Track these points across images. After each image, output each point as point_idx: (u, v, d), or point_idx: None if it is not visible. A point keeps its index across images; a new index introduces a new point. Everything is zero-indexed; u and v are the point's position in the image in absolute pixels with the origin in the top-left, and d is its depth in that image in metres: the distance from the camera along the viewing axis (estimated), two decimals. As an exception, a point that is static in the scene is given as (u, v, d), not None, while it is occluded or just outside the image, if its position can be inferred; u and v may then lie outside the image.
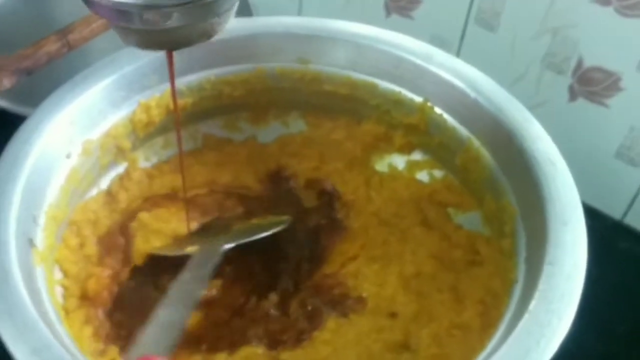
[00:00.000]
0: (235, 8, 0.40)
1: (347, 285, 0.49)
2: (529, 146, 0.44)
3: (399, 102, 0.53)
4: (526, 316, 0.37)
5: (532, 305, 0.37)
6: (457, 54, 0.73)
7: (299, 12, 0.85)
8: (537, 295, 0.37)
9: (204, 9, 0.37)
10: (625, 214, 0.70)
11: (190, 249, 0.49)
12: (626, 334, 0.61)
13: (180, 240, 0.51)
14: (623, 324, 0.62)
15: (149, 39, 0.39)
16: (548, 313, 0.36)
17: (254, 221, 0.53)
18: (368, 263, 0.50)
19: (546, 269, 0.38)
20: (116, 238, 0.51)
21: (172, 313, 0.44)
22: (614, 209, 0.70)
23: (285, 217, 0.53)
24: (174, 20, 0.36)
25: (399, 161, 0.56)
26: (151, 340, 0.42)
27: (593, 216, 0.70)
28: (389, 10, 0.76)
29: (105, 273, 0.49)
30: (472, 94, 0.48)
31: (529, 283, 0.40)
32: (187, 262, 0.47)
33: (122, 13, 0.36)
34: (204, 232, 0.53)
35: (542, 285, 0.38)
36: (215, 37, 0.40)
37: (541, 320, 0.36)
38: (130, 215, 0.52)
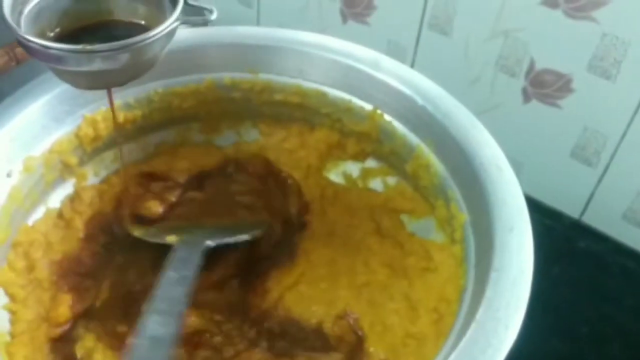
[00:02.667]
0: (166, 46, 0.41)
1: (292, 316, 0.48)
2: (476, 152, 0.44)
3: (349, 110, 0.53)
4: (473, 325, 0.36)
5: (479, 313, 0.37)
6: (414, 59, 0.73)
7: (257, 20, 0.85)
8: (484, 302, 0.37)
9: (135, 53, 0.38)
10: (582, 213, 0.71)
11: (170, 239, 0.47)
12: (588, 333, 0.62)
13: (161, 227, 0.50)
14: (585, 324, 0.62)
15: (82, 81, 0.41)
16: (495, 321, 0.36)
17: (229, 222, 0.52)
18: (313, 285, 0.49)
19: (493, 276, 0.38)
20: (78, 267, 0.49)
21: (160, 326, 0.40)
22: (571, 209, 0.71)
23: (264, 221, 0.51)
24: (105, 64, 0.38)
25: (353, 169, 0.56)
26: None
27: (552, 216, 0.71)
28: (345, 17, 0.76)
29: (70, 299, 0.47)
30: (420, 101, 0.48)
31: (477, 290, 0.40)
32: (170, 258, 0.45)
33: (55, 57, 0.38)
34: (182, 225, 0.51)
35: (488, 292, 0.37)
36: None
37: (488, 329, 0.36)
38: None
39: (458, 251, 0.45)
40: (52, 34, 0.41)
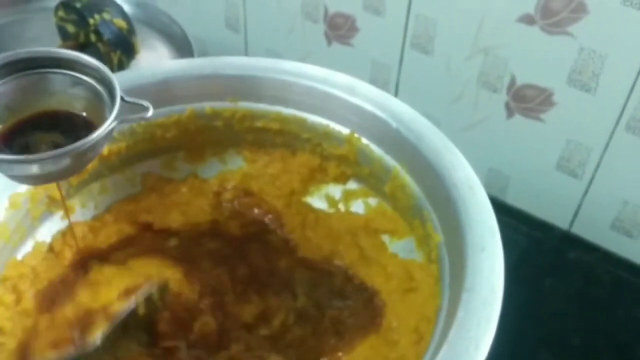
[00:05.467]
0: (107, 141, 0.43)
1: None
2: (449, 173, 0.45)
3: (328, 135, 0.54)
4: (445, 345, 0.37)
5: (451, 333, 0.37)
6: (398, 78, 0.74)
7: (245, 44, 0.86)
8: (455, 322, 0.38)
9: (76, 156, 0.40)
10: (571, 224, 0.71)
11: None
12: (579, 345, 0.62)
13: None
14: (576, 335, 0.63)
15: (26, 180, 0.43)
16: (465, 341, 0.37)
17: None
18: None
19: (464, 296, 0.39)
20: (63, 291, 0.50)
21: None
22: (560, 220, 0.71)
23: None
24: (47, 168, 0.39)
25: (335, 191, 0.57)
26: None
27: (541, 228, 0.72)
28: (329, 39, 0.77)
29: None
30: (394, 124, 0.49)
31: (450, 309, 0.40)
32: None
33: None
34: None
35: (460, 312, 0.38)
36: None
37: (458, 349, 0.36)
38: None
39: (435, 271, 0.45)
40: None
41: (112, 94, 0.42)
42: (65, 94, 0.44)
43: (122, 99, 0.41)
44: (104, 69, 0.42)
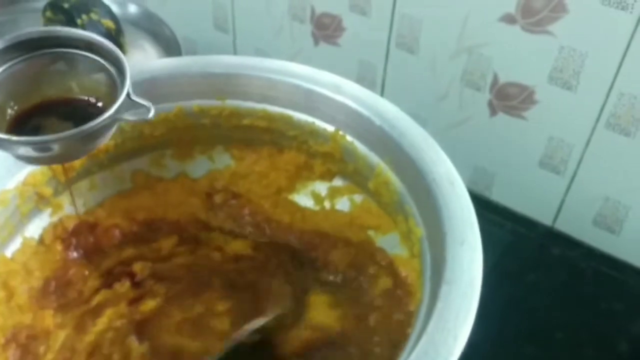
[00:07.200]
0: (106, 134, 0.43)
1: None
2: (430, 169, 0.46)
3: (314, 132, 0.55)
4: (424, 337, 0.38)
5: (430, 325, 0.38)
6: (384, 77, 0.75)
7: (234, 44, 0.87)
8: (435, 314, 0.39)
9: (66, 144, 0.41)
10: (555, 220, 0.72)
11: None
12: (563, 338, 0.63)
13: None
14: (560, 329, 0.64)
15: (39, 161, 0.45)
16: (444, 332, 0.38)
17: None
18: None
19: (443, 288, 0.40)
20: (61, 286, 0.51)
21: None
22: (544, 216, 0.73)
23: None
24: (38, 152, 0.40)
25: (321, 188, 0.58)
26: None
27: (525, 224, 0.73)
28: (316, 39, 0.78)
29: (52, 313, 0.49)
30: (378, 122, 0.50)
31: (431, 302, 0.41)
32: None
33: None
34: None
35: (439, 304, 0.39)
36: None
37: (437, 340, 0.37)
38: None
39: (417, 265, 0.46)
40: (11, 111, 0.42)
41: (122, 86, 0.42)
42: (85, 76, 0.44)
43: (128, 95, 0.41)
44: (122, 58, 0.42)
